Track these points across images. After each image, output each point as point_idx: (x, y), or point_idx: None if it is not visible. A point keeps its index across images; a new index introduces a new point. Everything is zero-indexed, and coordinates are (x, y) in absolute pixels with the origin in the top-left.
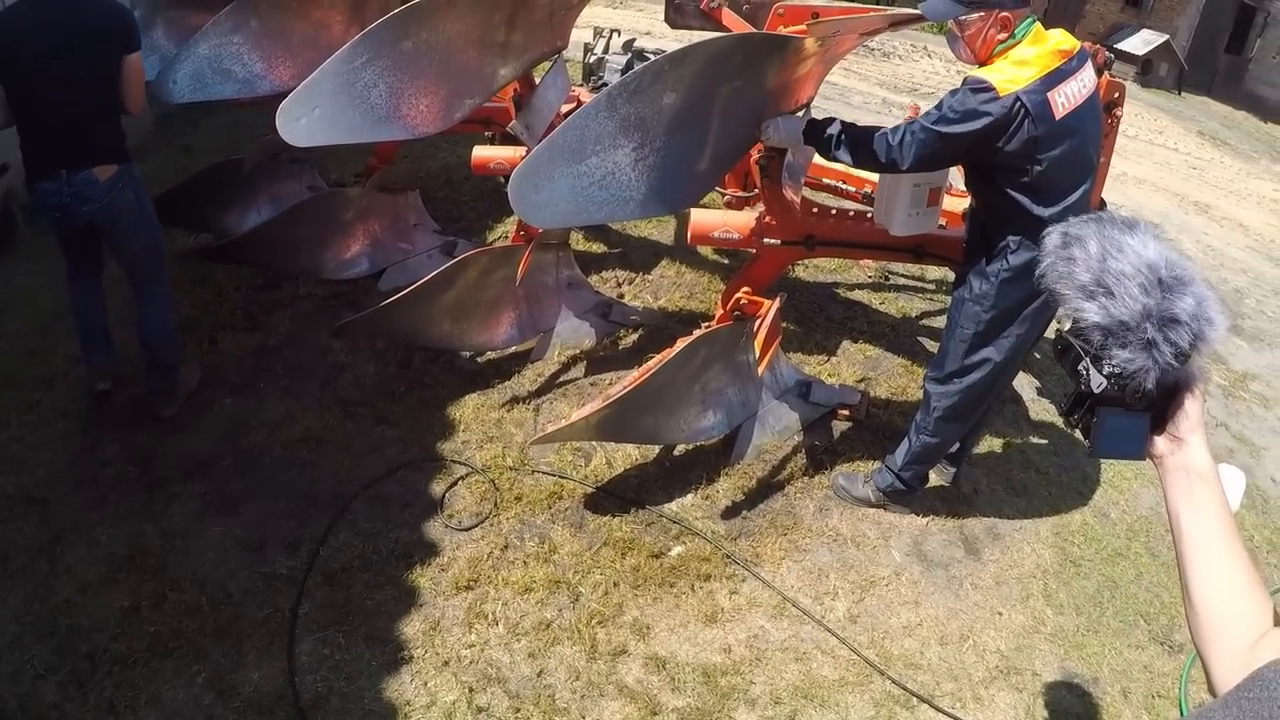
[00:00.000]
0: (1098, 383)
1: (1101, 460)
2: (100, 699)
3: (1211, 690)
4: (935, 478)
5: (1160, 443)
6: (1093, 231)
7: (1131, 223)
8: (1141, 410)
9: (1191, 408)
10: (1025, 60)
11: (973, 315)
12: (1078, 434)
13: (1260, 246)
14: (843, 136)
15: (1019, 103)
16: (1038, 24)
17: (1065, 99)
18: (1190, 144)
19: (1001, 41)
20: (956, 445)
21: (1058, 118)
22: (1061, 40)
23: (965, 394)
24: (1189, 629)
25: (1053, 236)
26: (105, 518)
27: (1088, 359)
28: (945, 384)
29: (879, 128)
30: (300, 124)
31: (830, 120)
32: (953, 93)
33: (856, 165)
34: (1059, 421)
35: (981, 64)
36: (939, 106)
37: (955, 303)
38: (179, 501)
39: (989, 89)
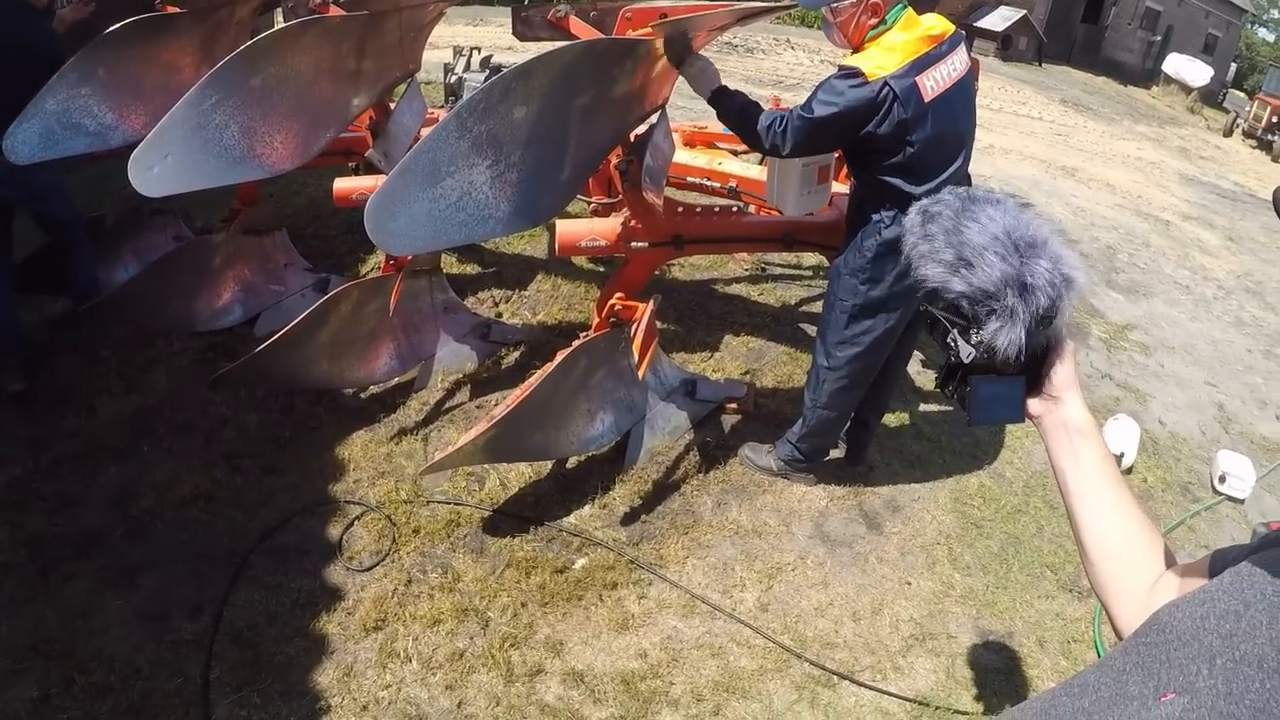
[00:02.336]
0: (967, 352)
1: (990, 425)
2: None
3: (1117, 636)
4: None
5: (1037, 403)
6: (948, 207)
7: (987, 196)
8: (1014, 374)
9: (1063, 367)
10: (894, 46)
11: (850, 287)
12: (957, 404)
13: (1128, 203)
14: (741, 112)
15: (886, 87)
16: (909, 10)
17: (935, 82)
18: (1054, 112)
19: (873, 27)
20: (857, 423)
21: (927, 100)
22: (933, 25)
23: (851, 363)
24: (1088, 580)
25: (912, 216)
26: (0, 607)
27: (955, 330)
28: (830, 356)
29: (771, 112)
30: (153, 173)
31: (737, 92)
32: (825, 81)
33: (744, 141)
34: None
35: (855, 50)
36: (813, 94)
37: (833, 276)
38: (75, 580)
39: (858, 75)
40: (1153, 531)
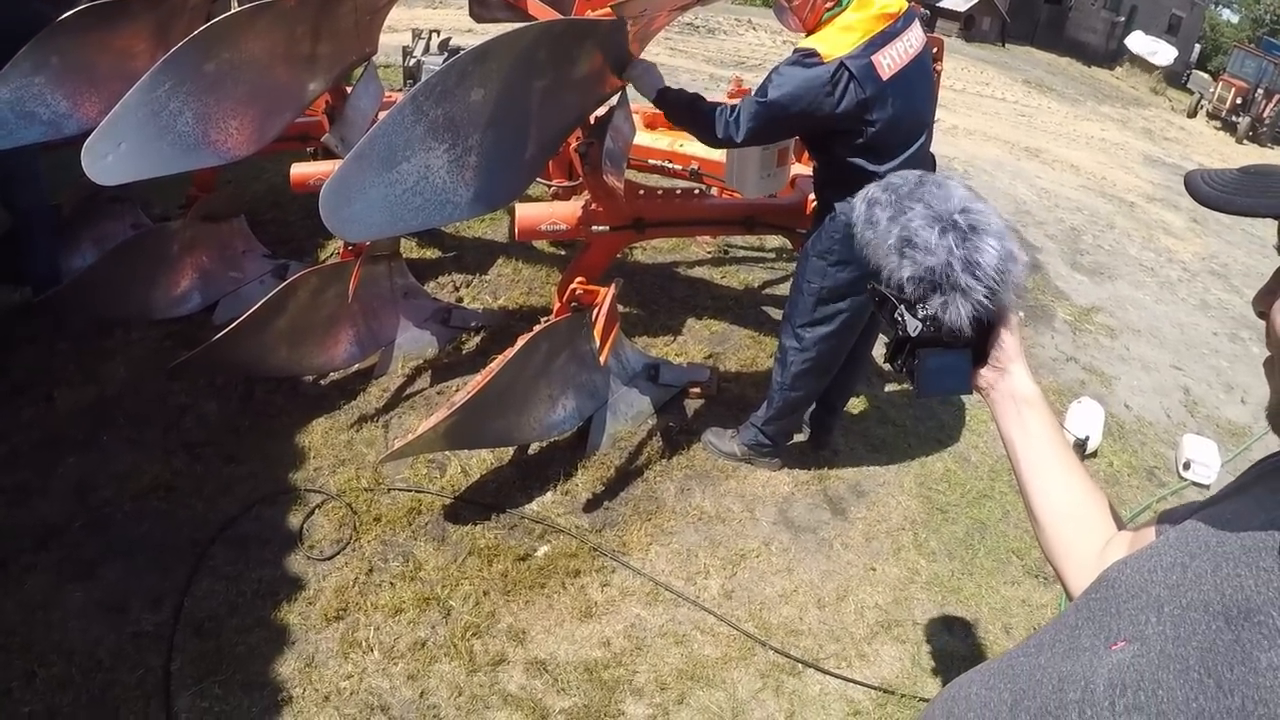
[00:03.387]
0: (914, 327)
1: (938, 399)
2: None
3: (1069, 599)
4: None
5: (984, 375)
6: (892, 192)
7: (929, 177)
8: (961, 347)
9: (1008, 339)
10: (850, 26)
11: (818, 269)
12: (905, 377)
13: (1092, 184)
14: (689, 107)
15: (842, 68)
16: None
17: (891, 60)
18: (1017, 92)
19: (829, 9)
20: (823, 407)
21: (885, 79)
22: (887, 4)
23: (819, 345)
24: (1040, 547)
25: (858, 204)
26: None
27: (902, 306)
28: (797, 338)
29: (720, 104)
30: (108, 161)
31: (681, 89)
32: (779, 65)
33: (697, 137)
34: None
35: (810, 32)
36: (767, 79)
37: (801, 259)
38: (34, 573)
39: (813, 56)
40: (1100, 497)
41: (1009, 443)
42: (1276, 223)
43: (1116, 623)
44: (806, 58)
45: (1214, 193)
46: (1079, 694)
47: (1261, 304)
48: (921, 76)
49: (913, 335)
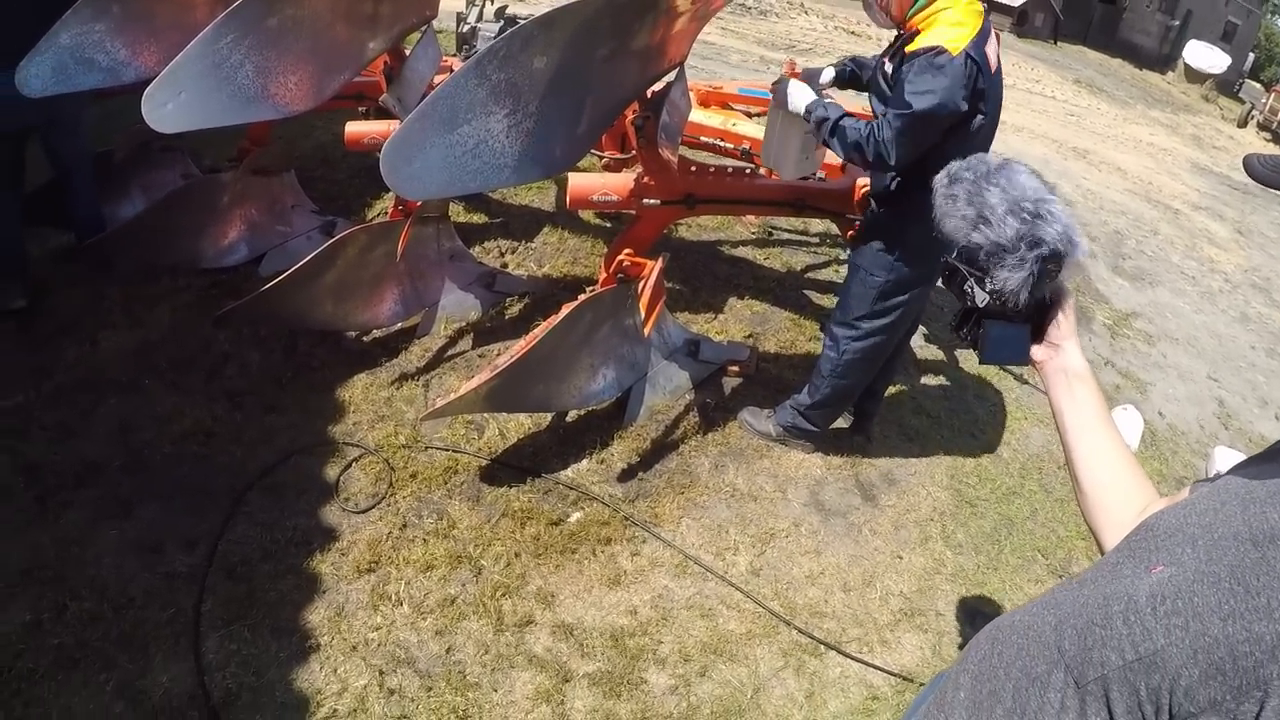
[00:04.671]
0: (981, 298)
1: (991, 410)
2: (10, 717)
3: None
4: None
5: (1040, 350)
6: (972, 171)
7: (1006, 163)
8: (1022, 322)
9: (1064, 318)
10: (959, 21)
11: (885, 263)
12: (969, 345)
13: (1138, 189)
14: (837, 126)
15: (969, 58)
16: None
17: (992, 54)
18: (1067, 92)
19: (914, 3)
20: (867, 393)
21: (992, 71)
22: (972, 2)
23: (876, 335)
24: (1082, 513)
25: (940, 177)
26: None
27: (972, 280)
28: (854, 328)
29: (858, 121)
30: (167, 109)
31: (833, 105)
32: (908, 71)
33: (844, 158)
34: (949, 368)
35: (898, 24)
36: (900, 91)
37: (863, 249)
38: (72, 509)
39: (943, 53)
40: (1139, 469)
41: (1058, 413)
42: None
43: (1155, 554)
44: (936, 56)
45: (1269, 173)
46: (1122, 606)
47: None
48: (1001, 74)
49: (979, 306)
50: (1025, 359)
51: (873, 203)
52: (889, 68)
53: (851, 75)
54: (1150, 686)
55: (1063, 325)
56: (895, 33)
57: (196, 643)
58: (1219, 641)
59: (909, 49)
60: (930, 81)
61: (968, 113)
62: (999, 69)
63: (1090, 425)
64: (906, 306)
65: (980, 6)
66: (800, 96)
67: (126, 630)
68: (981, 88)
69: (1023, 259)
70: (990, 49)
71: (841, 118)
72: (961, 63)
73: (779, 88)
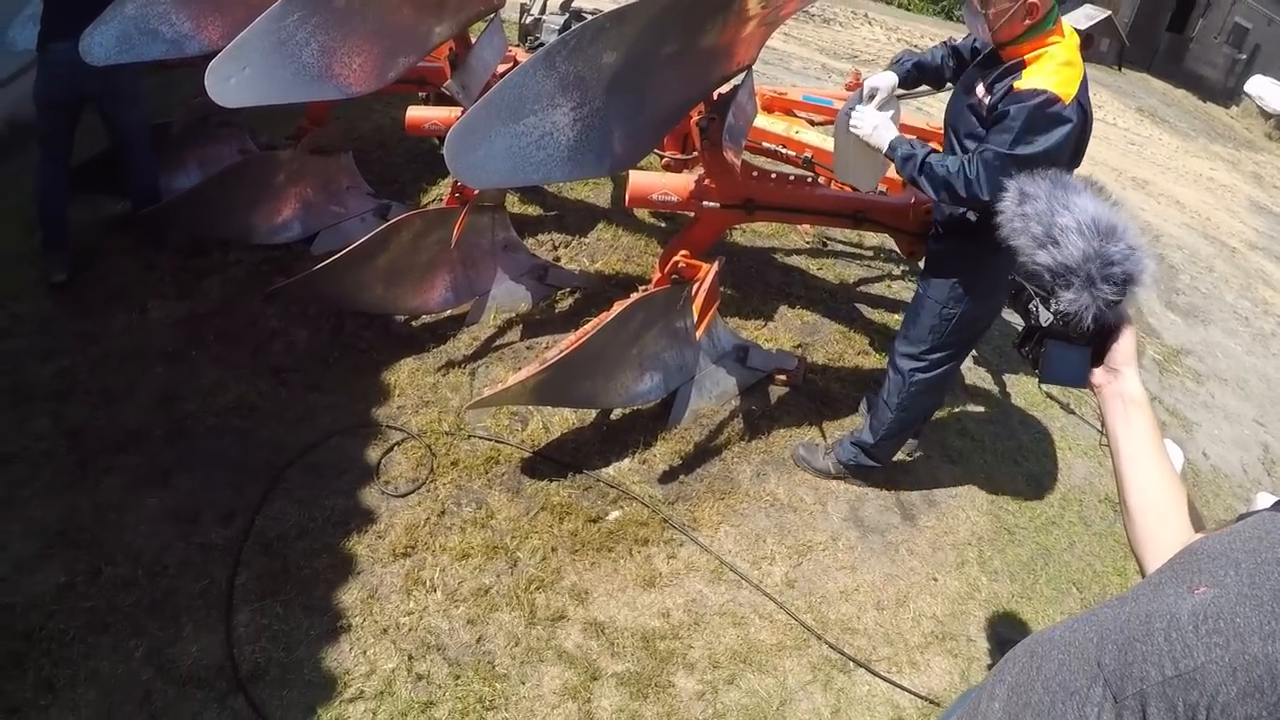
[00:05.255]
0: (1046, 318)
1: (1036, 438)
2: (38, 677)
3: None
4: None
5: (1099, 374)
6: (1044, 189)
7: (1077, 182)
8: (1083, 345)
9: (1125, 344)
10: (1070, 61)
11: (958, 295)
12: (1030, 364)
13: (1195, 224)
14: (925, 164)
15: (1080, 109)
16: (1058, 12)
17: (1088, 96)
18: (1129, 120)
19: (1028, 28)
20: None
21: (1089, 116)
22: (1074, 35)
23: (943, 366)
24: (1128, 538)
25: (1010, 194)
26: (37, 493)
27: (1037, 299)
28: (921, 360)
29: (952, 158)
30: (230, 84)
31: (917, 141)
32: (1016, 115)
33: (935, 197)
34: (996, 391)
35: (1000, 45)
36: (1002, 131)
37: (934, 281)
38: (111, 474)
39: (1056, 101)
40: (1187, 499)
41: (1113, 438)
42: None
43: (1198, 576)
44: (1050, 102)
45: None
46: (1164, 624)
47: None
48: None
49: (1043, 325)
50: (1084, 382)
51: (940, 230)
52: (983, 95)
53: (914, 80)
54: (1188, 703)
55: (1123, 350)
56: (988, 49)
57: (228, 615)
58: (1258, 660)
59: (1017, 86)
60: (1042, 133)
61: (1065, 159)
62: (1090, 114)
63: (1143, 451)
64: (976, 336)
65: (1078, 40)
66: (882, 133)
67: (159, 598)
68: (1079, 137)
69: (1090, 280)
70: (1089, 93)
71: (928, 155)
72: (1074, 114)
73: (853, 122)
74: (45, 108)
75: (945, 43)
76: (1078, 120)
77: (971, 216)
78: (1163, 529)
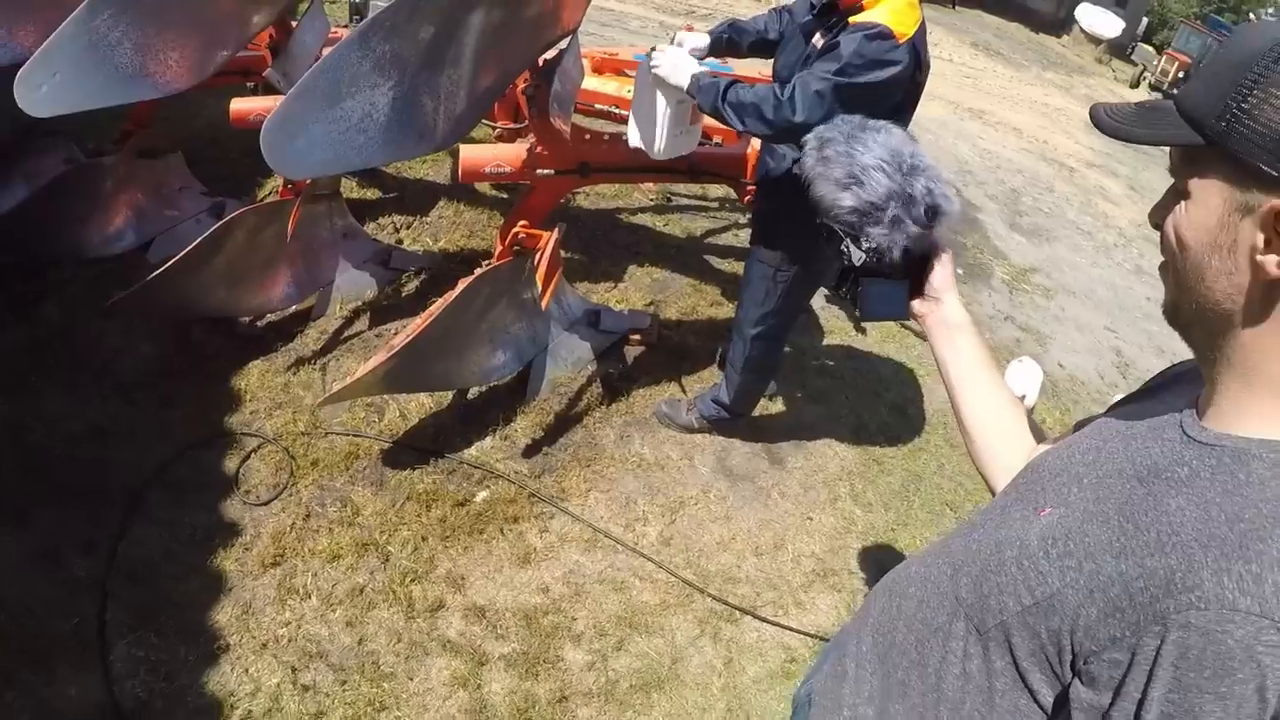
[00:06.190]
0: (857, 257)
1: (894, 368)
2: None
3: None
4: None
5: (920, 304)
6: (841, 132)
7: (874, 123)
8: (900, 278)
9: (941, 271)
10: (912, 4)
11: (788, 259)
12: (850, 304)
13: (1033, 148)
14: (726, 91)
15: (913, 48)
16: None
17: (925, 44)
18: (965, 54)
19: None
20: None
21: (923, 64)
22: None
23: (782, 324)
24: (972, 460)
25: (810, 141)
26: None
27: (848, 239)
28: (761, 323)
29: (762, 85)
30: (41, 92)
31: (718, 77)
32: (846, 46)
33: (742, 126)
34: (850, 328)
35: (842, 4)
36: (836, 55)
37: (761, 248)
38: None
39: (890, 35)
40: (1023, 413)
41: (942, 363)
42: (1169, 149)
43: (1042, 496)
44: (883, 37)
45: (1113, 123)
46: (1015, 551)
47: (1156, 216)
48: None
49: (856, 265)
50: (905, 314)
51: (763, 193)
52: (819, 41)
53: (729, 42)
54: (1050, 629)
55: (940, 278)
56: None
57: (103, 651)
58: (1114, 579)
59: (852, 20)
60: (869, 69)
61: (895, 104)
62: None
63: (973, 373)
64: (811, 290)
65: None
66: (683, 69)
67: (28, 643)
68: (914, 83)
69: (895, 217)
70: (925, 38)
71: (734, 83)
72: (904, 56)
73: (652, 60)
74: None
75: (775, 8)
76: (908, 63)
77: (789, 172)
78: (1003, 446)
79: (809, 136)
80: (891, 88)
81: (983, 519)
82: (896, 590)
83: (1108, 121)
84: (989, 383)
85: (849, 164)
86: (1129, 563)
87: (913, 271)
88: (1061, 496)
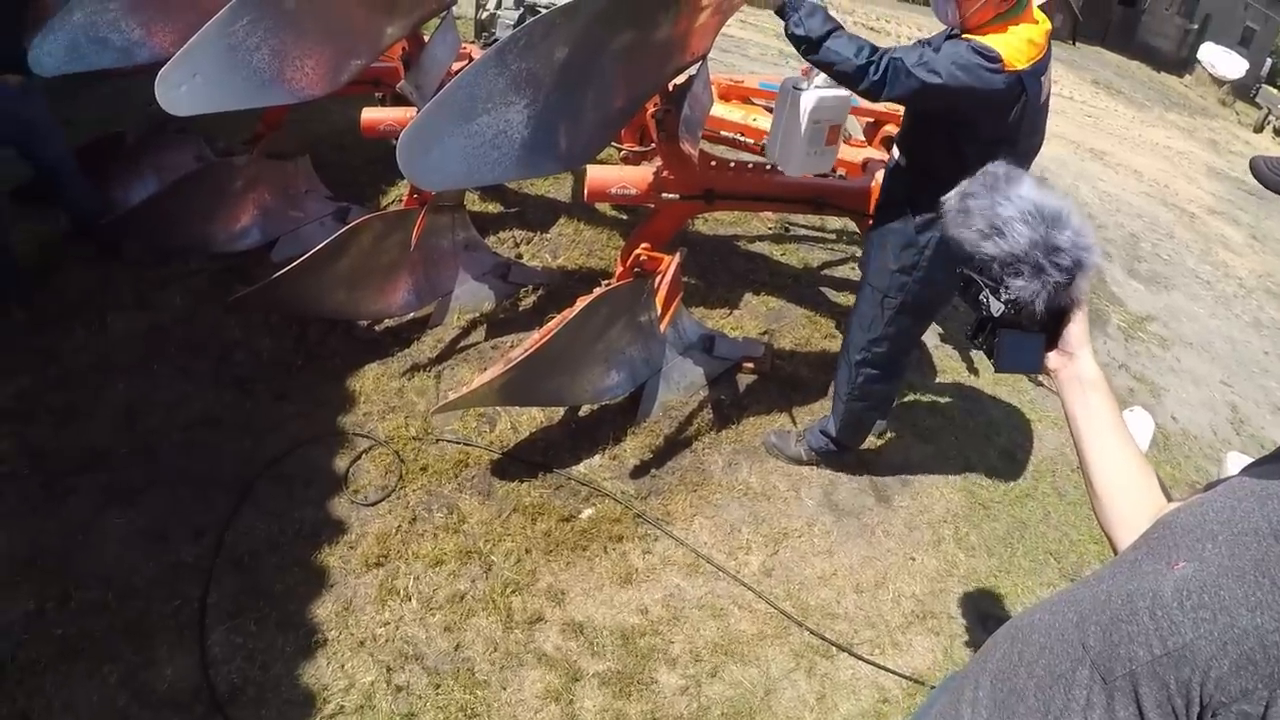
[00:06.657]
0: (996, 308)
1: (1006, 412)
2: (13, 709)
3: None
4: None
5: (1055, 358)
6: (983, 185)
7: (1017, 174)
8: (1036, 331)
9: (1077, 326)
10: (1034, 40)
11: (899, 284)
12: (983, 354)
13: (1154, 192)
14: (833, 40)
15: (1020, 83)
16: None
17: (1046, 86)
18: (1085, 93)
19: (1000, 13)
20: None
21: (1039, 103)
22: (1046, 22)
23: (891, 357)
24: (1097, 519)
25: (951, 198)
26: (1, 519)
27: (987, 290)
28: (868, 350)
29: (865, 45)
30: (181, 91)
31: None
32: (950, 44)
33: (833, 73)
34: (964, 368)
35: (969, 32)
36: (936, 54)
37: (875, 270)
38: (77, 495)
39: (997, 60)
40: (1152, 473)
41: (1072, 420)
42: None
43: (1175, 551)
44: (991, 59)
45: (1275, 177)
46: (1148, 602)
47: None
48: (1048, 104)
49: (994, 316)
50: (1040, 368)
51: (874, 216)
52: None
53: None
54: (1180, 680)
55: (1076, 333)
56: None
57: (202, 635)
58: (1248, 633)
59: (971, 39)
60: (966, 70)
61: (1001, 136)
62: (1047, 98)
63: (1104, 432)
64: (924, 326)
65: (1049, 29)
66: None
67: (131, 621)
68: (1020, 118)
69: (1038, 267)
70: (1045, 80)
71: (838, 32)
72: (1009, 80)
73: (791, 85)
74: None
75: (919, 40)
76: (1007, 93)
77: (913, 198)
78: (1130, 506)
79: (951, 194)
80: (983, 110)
81: (1111, 572)
82: (1020, 636)
83: (1269, 176)
84: (1120, 442)
85: (991, 215)
86: (1265, 617)
87: (1049, 324)
88: (1196, 552)
